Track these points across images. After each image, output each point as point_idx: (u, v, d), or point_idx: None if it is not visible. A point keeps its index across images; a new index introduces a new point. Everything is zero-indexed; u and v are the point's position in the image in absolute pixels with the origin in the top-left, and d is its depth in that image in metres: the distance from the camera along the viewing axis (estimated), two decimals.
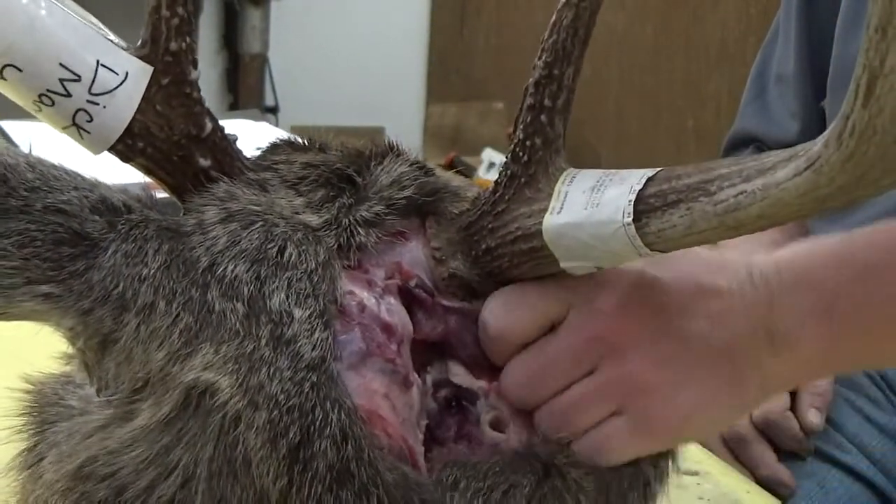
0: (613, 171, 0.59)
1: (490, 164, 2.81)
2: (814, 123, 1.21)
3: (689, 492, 0.91)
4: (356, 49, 3.43)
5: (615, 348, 0.61)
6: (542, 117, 0.59)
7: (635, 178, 0.57)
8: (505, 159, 0.62)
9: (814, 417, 1.07)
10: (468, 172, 2.60)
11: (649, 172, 0.57)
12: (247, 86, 3.28)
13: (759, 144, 1.28)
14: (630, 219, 0.56)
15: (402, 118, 3.40)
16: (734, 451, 1.08)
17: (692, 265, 0.63)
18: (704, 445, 1.01)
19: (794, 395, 1.09)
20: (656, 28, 3.64)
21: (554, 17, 0.58)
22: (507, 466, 0.61)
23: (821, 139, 0.52)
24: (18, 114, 0.63)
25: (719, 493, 0.92)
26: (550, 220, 0.59)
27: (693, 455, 0.96)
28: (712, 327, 0.62)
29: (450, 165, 2.54)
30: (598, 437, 0.63)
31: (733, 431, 1.08)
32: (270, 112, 3.31)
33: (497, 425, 0.63)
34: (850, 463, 1.07)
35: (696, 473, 0.94)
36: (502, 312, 0.63)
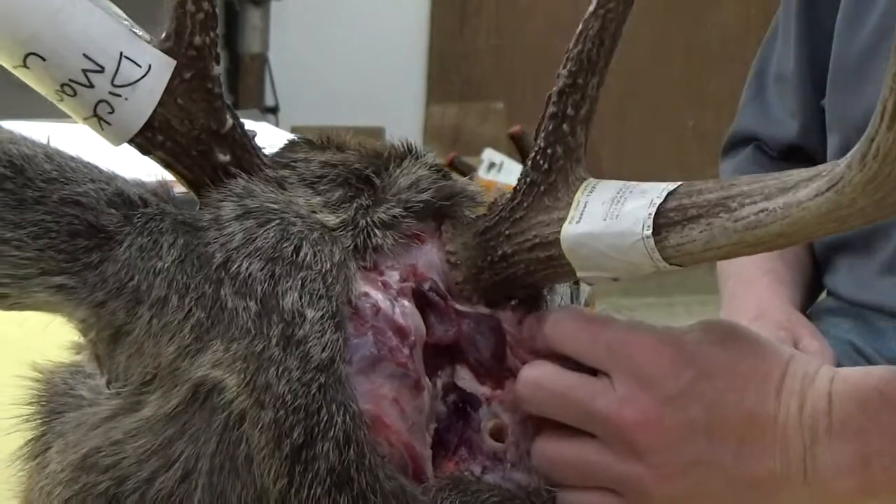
0: (634, 183, 0.59)
1: (490, 164, 2.80)
2: (813, 122, 1.21)
3: None
4: (356, 49, 3.42)
5: (636, 444, 0.59)
6: (565, 126, 0.59)
7: (656, 192, 0.57)
8: (524, 167, 0.61)
9: None
10: (468, 172, 2.59)
11: (670, 186, 0.57)
12: (247, 86, 3.27)
13: (758, 143, 1.28)
14: (650, 231, 0.56)
15: (402, 118, 3.39)
16: None
17: (752, 377, 0.60)
18: None
19: None
20: (656, 28, 3.64)
21: (580, 27, 0.58)
22: (503, 502, 0.60)
23: (844, 160, 0.52)
24: (32, 114, 0.63)
25: None
26: (569, 230, 0.59)
27: None
28: (745, 457, 0.59)
29: (450, 165, 2.53)
30: (587, 501, 0.62)
31: None
32: (270, 112, 3.30)
33: (497, 434, 0.63)
34: None
35: None
36: (564, 320, 0.62)
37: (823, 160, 1.16)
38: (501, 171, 2.77)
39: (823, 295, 1.26)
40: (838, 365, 1.05)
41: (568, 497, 0.62)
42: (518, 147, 2.95)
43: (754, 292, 1.17)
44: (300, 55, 3.37)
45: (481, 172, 2.66)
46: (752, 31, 3.55)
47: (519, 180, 0.61)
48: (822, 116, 1.19)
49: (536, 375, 0.62)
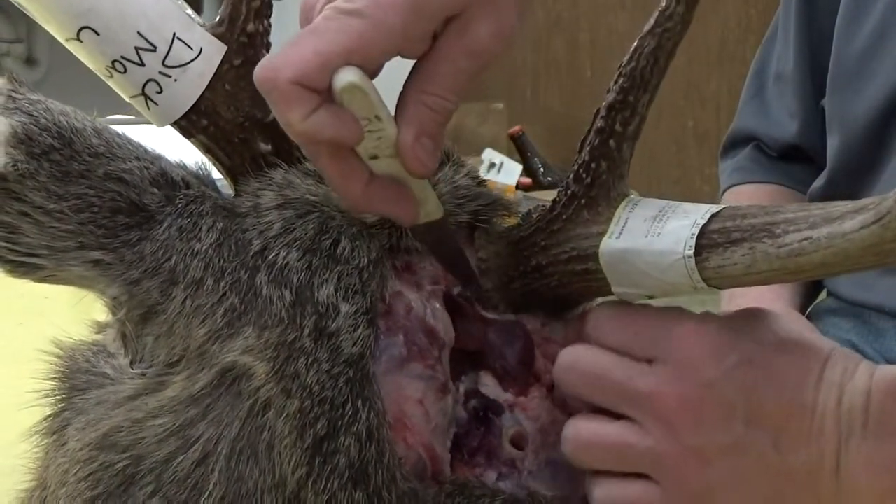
0: (676, 202, 0.59)
1: (490, 164, 2.80)
2: (813, 122, 1.21)
3: None
4: None
5: (674, 424, 0.59)
6: (611, 142, 0.59)
7: (699, 213, 0.57)
8: (565, 179, 0.61)
9: None
10: None
11: (714, 208, 0.57)
12: None
13: (757, 143, 1.28)
14: (691, 252, 0.56)
15: None
16: None
17: (792, 367, 0.59)
18: None
19: None
20: None
21: (636, 44, 0.58)
22: None
23: (892, 194, 0.52)
24: None
25: None
26: (608, 245, 0.59)
27: None
28: (783, 447, 0.59)
29: None
30: (623, 493, 0.61)
31: None
32: None
33: (518, 441, 0.63)
34: None
35: None
36: (606, 314, 0.61)
37: (823, 160, 1.17)
38: (501, 171, 2.77)
39: (823, 295, 1.26)
40: None
41: (601, 484, 0.61)
42: (518, 147, 2.95)
43: (753, 292, 1.17)
44: None
45: (481, 172, 2.65)
46: (752, 31, 3.56)
47: (559, 192, 0.61)
48: (822, 116, 1.18)
49: (574, 357, 0.61)
